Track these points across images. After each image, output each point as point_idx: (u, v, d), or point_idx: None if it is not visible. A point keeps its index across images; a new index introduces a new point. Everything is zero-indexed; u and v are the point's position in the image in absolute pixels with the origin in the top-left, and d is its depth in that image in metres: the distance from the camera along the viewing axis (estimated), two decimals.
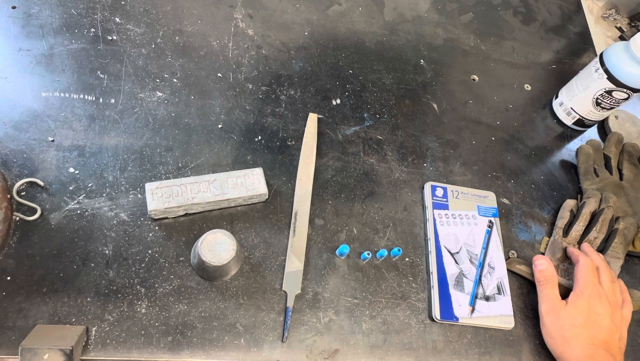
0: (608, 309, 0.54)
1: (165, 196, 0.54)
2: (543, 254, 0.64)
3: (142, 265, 0.53)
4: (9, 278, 0.50)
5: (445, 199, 0.64)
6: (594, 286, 0.55)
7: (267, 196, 0.59)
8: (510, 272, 0.61)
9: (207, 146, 0.62)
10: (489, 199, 0.65)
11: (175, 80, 0.66)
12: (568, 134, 0.77)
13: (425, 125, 0.71)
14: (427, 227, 0.62)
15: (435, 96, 0.75)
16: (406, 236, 0.62)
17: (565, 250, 0.62)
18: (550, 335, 0.55)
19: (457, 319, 0.56)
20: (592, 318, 0.53)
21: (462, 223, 0.62)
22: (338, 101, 0.70)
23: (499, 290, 0.59)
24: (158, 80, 0.66)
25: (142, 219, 0.55)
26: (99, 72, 0.64)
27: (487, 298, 0.58)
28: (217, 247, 0.50)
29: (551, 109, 0.79)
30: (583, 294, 0.55)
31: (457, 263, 0.59)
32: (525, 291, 0.61)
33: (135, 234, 0.55)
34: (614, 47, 0.67)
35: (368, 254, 0.58)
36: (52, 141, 0.58)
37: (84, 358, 0.48)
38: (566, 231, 0.64)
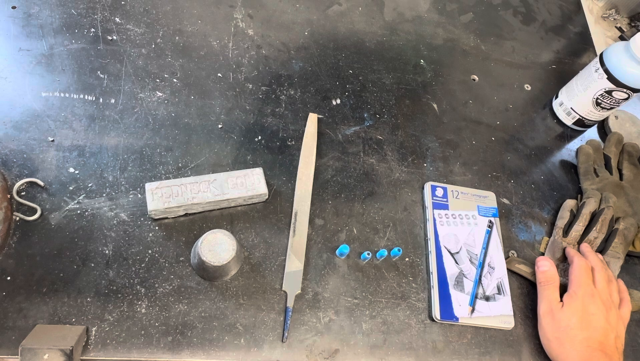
0: (602, 309, 0.54)
1: (165, 196, 0.54)
2: (543, 254, 0.64)
3: (142, 265, 0.53)
4: (9, 278, 0.50)
5: (445, 199, 0.64)
6: (586, 286, 0.55)
7: (267, 196, 0.59)
8: (510, 272, 0.61)
9: (207, 146, 0.62)
10: (489, 199, 0.65)
11: (175, 80, 0.66)
12: (568, 134, 0.77)
13: (425, 125, 0.71)
14: (427, 227, 0.62)
15: (435, 96, 0.75)
16: (406, 236, 0.62)
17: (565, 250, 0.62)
18: (546, 337, 0.55)
19: (457, 319, 0.56)
20: (586, 318, 0.53)
21: (462, 223, 0.62)
22: (338, 101, 0.70)
23: (499, 290, 0.59)
24: (158, 80, 0.66)
25: (142, 219, 0.55)
26: (99, 72, 0.64)
27: (487, 298, 0.58)
28: (217, 247, 0.50)
29: (551, 109, 0.79)
30: (576, 295, 0.55)
31: (457, 263, 0.59)
32: (525, 291, 0.61)
33: (135, 234, 0.55)
34: (614, 47, 0.67)
35: (368, 254, 0.58)
36: (52, 141, 0.58)
37: (84, 358, 0.48)
38: (566, 231, 0.64)
